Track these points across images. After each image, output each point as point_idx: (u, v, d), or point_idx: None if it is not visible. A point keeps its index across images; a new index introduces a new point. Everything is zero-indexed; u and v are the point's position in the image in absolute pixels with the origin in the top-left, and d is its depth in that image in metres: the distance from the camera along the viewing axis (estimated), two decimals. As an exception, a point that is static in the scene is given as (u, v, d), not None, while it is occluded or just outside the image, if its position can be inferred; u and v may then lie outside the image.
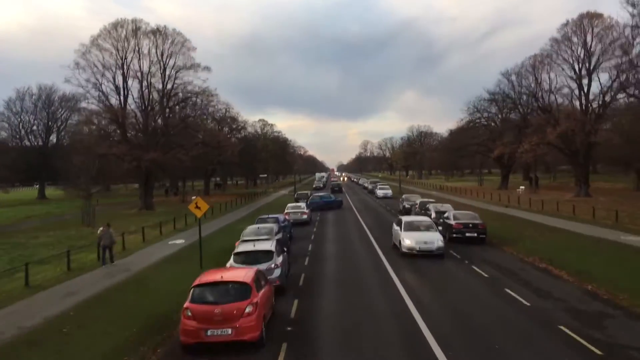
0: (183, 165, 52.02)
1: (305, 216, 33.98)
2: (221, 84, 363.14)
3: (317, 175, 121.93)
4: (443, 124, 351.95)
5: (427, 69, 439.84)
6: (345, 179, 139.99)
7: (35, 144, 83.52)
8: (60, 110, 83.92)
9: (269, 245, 15.81)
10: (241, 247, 16.23)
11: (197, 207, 19.61)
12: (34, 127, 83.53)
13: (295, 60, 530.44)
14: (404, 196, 43.11)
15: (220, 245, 24.63)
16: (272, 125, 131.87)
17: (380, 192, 61.93)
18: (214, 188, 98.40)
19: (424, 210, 32.57)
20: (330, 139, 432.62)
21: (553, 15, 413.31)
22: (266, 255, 15.30)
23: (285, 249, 17.78)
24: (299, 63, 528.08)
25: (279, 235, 21.68)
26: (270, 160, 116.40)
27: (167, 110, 51.87)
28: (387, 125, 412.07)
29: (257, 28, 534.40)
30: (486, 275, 17.48)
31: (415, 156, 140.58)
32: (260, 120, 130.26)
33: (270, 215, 27.16)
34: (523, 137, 48.70)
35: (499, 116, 71.98)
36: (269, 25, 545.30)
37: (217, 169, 72.62)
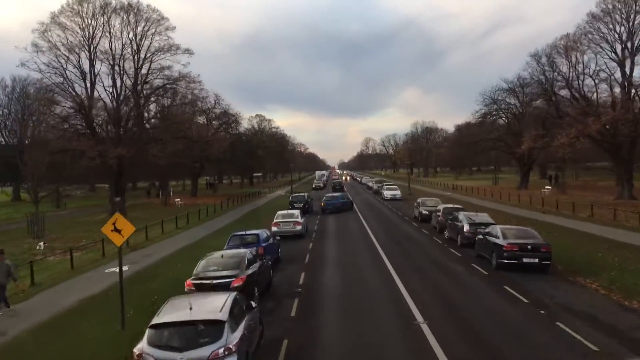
0: (161, 163, 44.78)
1: (299, 227, 26.87)
2: (222, 82, 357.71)
3: (317, 173, 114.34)
4: (445, 120, 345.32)
5: (428, 66, 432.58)
6: (348, 178, 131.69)
7: (10, 140, 76.56)
8: (36, 103, 76.87)
9: (219, 311, 8.62)
10: (166, 313, 8.98)
11: (115, 229, 11.95)
12: (8, 122, 76.58)
13: (296, 58, 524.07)
14: (420, 200, 35.87)
15: (175, 276, 17.44)
16: (269, 120, 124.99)
17: (388, 194, 54.73)
18: (207, 188, 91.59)
19: (451, 219, 25.34)
20: (331, 136, 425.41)
21: (555, 13, 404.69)
22: (210, 330, 8.19)
23: (253, 305, 10.51)
24: (300, 61, 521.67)
25: (255, 267, 14.54)
26: (267, 157, 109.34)
27: (142, 99, 44.69)
28: (389, 122, 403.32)
29: (258, 26, 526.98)
30: (595, 349, 10.26)
31: (421, 153, 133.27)
32: (257, 115, 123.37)
33: (247, 232, 19.90)
34: (558, 129, 41.40)
35: (520, 107, 64.62)
36: (270, 23, 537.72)
37: (205, 166, 65.36)
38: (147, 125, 44.08)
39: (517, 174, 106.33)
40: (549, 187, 53.60)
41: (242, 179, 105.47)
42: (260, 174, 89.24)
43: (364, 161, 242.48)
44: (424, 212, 32.87)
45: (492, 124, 68.12)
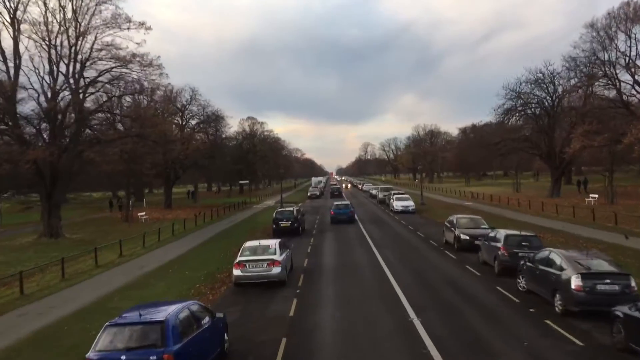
0: (108, 169, 34.60)
1: (276, 269, 16.60)
2: (220, 89, 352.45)
3: (314, 180, 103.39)
4: (443, 125, 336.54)
5: (426, 72, 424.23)
6: (349, 185, 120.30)
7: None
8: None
9: None
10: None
11: None
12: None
13: (294, 64, 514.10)
14: (453, 219, 24.84)
15: None
16: (262, 123, 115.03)
17: (398, 205, 44.53)
18: (188, 197, 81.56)
19: (529, 261, 15.16)
20: (329, 142, 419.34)
21: (551, 18, 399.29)
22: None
23: None
24: (297, 67, 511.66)
25: None
26: (259, 163, 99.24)
27: (83, 85, 34.51)
28: (386, 128, 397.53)
29: (256, 33, 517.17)
30: None
31: (425, 157, 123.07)
32: (249, 117, 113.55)
33: (141, 313, 9.40)
34: (629, 124, 31.52)
35: (551, 100, 54.67)
36: (267, 29, 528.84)
37: (180, 173, 55.10)
38: (89, 118, 33.80)
39: (533, 178, 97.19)
40: (595, 196, 43.55)
41: (230, 186, 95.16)
42: (247, 181, 78.67)
43: (362, 167, 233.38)
44: (463, 237, 22.69)
45: (516, 121, 58.07)
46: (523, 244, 17.49)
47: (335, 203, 40.89)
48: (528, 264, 15.01)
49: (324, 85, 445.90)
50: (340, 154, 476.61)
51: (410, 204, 44.68)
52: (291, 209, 32.14)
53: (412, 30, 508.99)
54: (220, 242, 27.98)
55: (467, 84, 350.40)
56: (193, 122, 56.86)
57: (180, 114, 55.28)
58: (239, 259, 17.01)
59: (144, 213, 46.20)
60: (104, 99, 35.15)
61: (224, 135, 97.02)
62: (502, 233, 18.47)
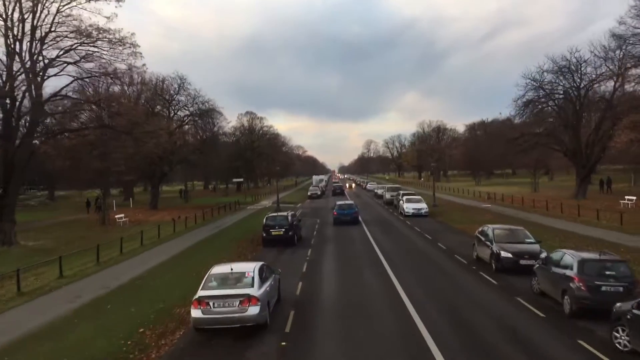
0: (58, 164, 29.40)
1: (253, 310, 11.34)
2: (222, 86, 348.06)
3: (315, 178, 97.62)
4: (447, 122, 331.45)
5: (428, 69, 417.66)
6: (353, 185, 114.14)
7: None
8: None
9: None
10: None
11: None
12: None
13: (296, 61, 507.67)
14: (488, 231, 19.27)
15: None
16: (261, 118, 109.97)
17: (409, 208, 39.23)
18: (180, 196, 76.66)
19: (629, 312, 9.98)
20: (331, 140, 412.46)
21: (554, 16, 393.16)
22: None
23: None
24: (299, 64, 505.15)
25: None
26: (257, 160, 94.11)
27: (42, 66, 29.33)
28: (389, 126, 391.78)
29: (258, 30, 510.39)
30: None
31: (432, 154, 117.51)
32: (247, 112, 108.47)
33: None
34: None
35: (577, 90, 49.26)
36: (269, 26, 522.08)
37: (165, 170, 49.84)
38: (47, 104, 28.63)
39: (547, 177, 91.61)
40: (633, 198, 38.23)
41: (226, 185, 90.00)
42: (241, 179, 73.47)
43: (365, 165, 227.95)
44: (504, 255, 17.42)
45: (538, 114, 52.64)
46: (606, 272, 12.27)
47: (339, 203, 37.65)
48: (635, 311, 9.80)
49: (325, 83, 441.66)
50: (343, 152, 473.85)
51: (423, 206, 39.37)
52: (285, 213, 26.83)
53: (414, 27, 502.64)
54: (195, 256, 22.73)
55: (470, 82, 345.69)
56: (182, 114, 51.46)
57: (167, 103, 49.92)
58: (199, 294, 11.74)
59: (122, 215, 41.08)
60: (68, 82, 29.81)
61: (221, 131, 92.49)
62: (572, 255, 13.16)
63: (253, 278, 12.21)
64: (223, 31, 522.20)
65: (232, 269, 12.60)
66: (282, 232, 25.36)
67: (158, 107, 49.35)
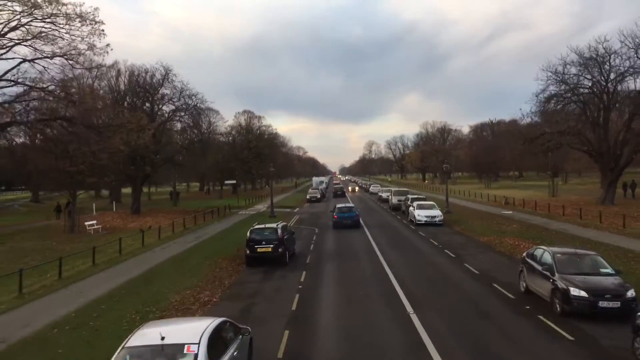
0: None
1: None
2: (224, 87, 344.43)
3: (315, 180, 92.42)
4: (450, 124, 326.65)
5: (430, 71, 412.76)
6: (357, 188, 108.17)
7: None
8: None
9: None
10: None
11: None
12: None
13: (297, 63, 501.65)
14: (550, 255, 13.75)
15: None
16: (260, 117, 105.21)
17: (421, 215, 34.06)
18: (170, 199, 71.77)
19: None
20: (332, 142, 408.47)
21: (556, 19, 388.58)
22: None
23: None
24: (301, 66, 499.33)
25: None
26: (254, 160, 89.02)
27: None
28: (390, 128, 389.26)
29: (260, 31, 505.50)
30: None
31: (437, 156, 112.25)
32: (245, 111, 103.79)
33: None
34: None
35: (605, 85, 44.16)
36: (271, 28, 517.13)
37: (147, 170, 44.65)
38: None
39: (561, 179, 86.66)
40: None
41: (220, 187, 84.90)
42: (234, 182, 68.40)
43: (366, 166, 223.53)
44: (575, 294, 12.27)
45: (560, 111, 47.51)
46: None
47: (338, 206, 35.51)
48: None
49: (327, 84, 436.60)
50: (343, 154, 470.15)
51: (437, 213, 34.28)
52: (274, 226, 21.65)
53: (417, 29, 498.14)
54: (153, 283, 17.51)
55: (472, 84, 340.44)
56: (168, 109, 46.35)
57: (150, 99, 44.79)
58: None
59: (94, 222, 36.05)
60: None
61: (217, 131, 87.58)
62: None
63: (197, 355, 7.15)
64: (225, 32, 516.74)
65: (163, 339, 7.45)
66: (270, 249, 20.31)
67: (138, 101, 44.30)
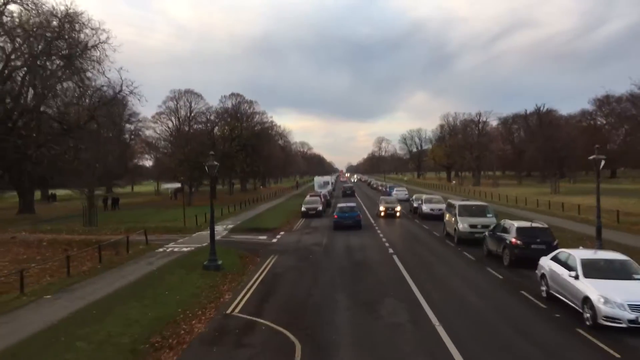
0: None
1: None
2: (233, 85, 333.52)
3: (317, 180, 70.34)
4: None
5: (438, 70, 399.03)
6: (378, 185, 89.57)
7: None
8: None
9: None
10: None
11: None
12: None
13: (306, 61, 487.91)
14: None
15: None
16: (251, 102, 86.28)
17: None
18: (171, 198, 62.08)
19: None
20: (339, 140, 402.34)
21: (565, 17, 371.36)
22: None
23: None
24: (309, 64, 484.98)
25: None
26: (238, 155, 69.41)
27: None
28: (397, 126, 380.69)
29: (269, 29, 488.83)
30: None
31: (471, 151, 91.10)
32: (233, 94, 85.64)
33: None
34: None
35: None
36: (280, 26, 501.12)
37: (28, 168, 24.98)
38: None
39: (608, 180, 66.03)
40: None
41: (191, 189, 65.03)
42: (178, 185, 50.17)
43: (375, 164, 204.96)
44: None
45: None
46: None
47: (340, 205, 34.65)
48: None
49: (335, 82, 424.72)
50: (350, 152, 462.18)
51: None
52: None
53: (424, 27, 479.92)
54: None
55: (480, 82, 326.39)
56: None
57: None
58: None
59: None
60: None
61: (199, 119, 68.75)
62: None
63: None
64: (234, 30, 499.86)
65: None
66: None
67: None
